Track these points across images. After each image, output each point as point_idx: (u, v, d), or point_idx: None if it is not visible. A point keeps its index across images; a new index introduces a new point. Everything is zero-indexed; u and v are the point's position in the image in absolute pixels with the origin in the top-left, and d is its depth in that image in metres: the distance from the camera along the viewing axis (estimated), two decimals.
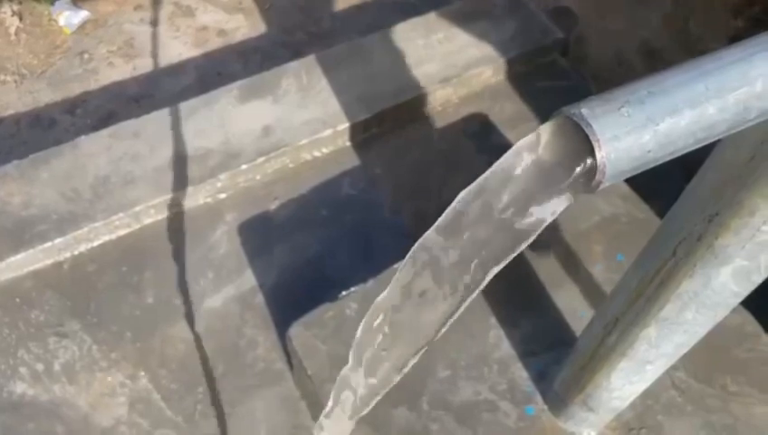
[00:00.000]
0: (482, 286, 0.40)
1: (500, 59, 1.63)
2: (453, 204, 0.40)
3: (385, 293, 0.46)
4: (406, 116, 1.60)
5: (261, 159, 1.47)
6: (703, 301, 0.68)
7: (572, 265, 1.20)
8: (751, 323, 1.13)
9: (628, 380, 0.86)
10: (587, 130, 0.35)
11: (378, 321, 0.47)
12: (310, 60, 1.61)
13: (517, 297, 1.17)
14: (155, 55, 1.90)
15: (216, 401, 1.23)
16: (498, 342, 1.12)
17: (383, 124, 1.58)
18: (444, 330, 0.41)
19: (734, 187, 0.58)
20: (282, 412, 1.22)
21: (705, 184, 0.64)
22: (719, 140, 0.63)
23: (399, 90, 1.58)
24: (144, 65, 1.89)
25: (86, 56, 1.90)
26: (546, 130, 0.37)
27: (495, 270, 0.39)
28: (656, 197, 1.30)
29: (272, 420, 1.21)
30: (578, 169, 0.36)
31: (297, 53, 1.81)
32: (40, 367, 1.25)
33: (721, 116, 0.37)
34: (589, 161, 0.35)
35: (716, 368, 1.10)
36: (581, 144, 0.35)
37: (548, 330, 1.14)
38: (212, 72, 1.87)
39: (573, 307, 1.16)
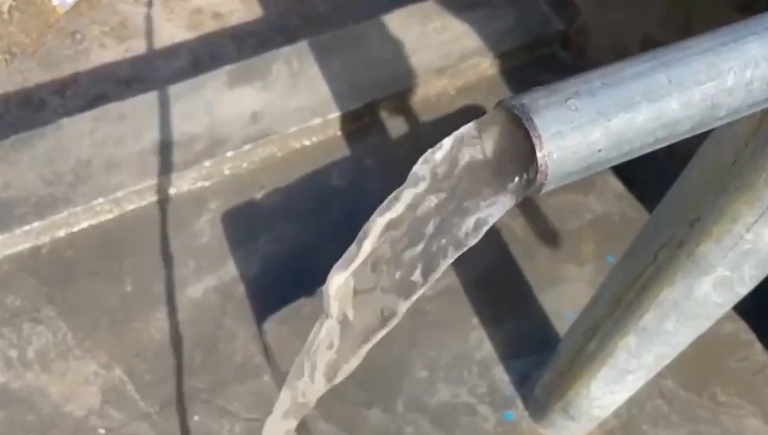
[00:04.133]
0: (418, 294, 0.35)
1: (498, 50, 1.58)
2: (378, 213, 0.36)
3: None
4: (399, 106, 1.55)
5: (248, 147, 1.43)
6: (684, 311, 0.64)
7: (561, 265, 1.16)
8: (744, 332, 1.09)
9: (608, 389, 0.82)
10: (527, 125, 0.30)
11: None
12: (302, 45, 1.57)
13: (502, 297, 1.13)
14: (148, 37, 1.86)
15: (191, 394, 1.20)
16: (480, 342, 1.08)
17: (375, 114, 1.54)
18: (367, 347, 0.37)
19: (715, 191, 0.54)
20: (258, 406, 1.19)
21: (688, 187, 0.59)
22: (704, 140, 0.58)
23: (393, 79, 1.54)
24: (137, 47, 1.85)
25: (78, 36, 1.86)
26: (485, 123, 0.33)
27: (432, 277, 0.34)
28: (652, 197, 1.25)
29: (248, 414, 1.18)
30: (517, 169, 0.31)
31: (293, 39, 1.76)
32: (13, 353, 1.22)
33: (685, 113, 0.33)
34: (529, 160, 0.31)
35: (706, 377, 1.06)
36: (522, 141, 0.31)
37: (532, 332, 1.10)
38: (205, 55, 1.83)
39: (560, 309, 1.12)
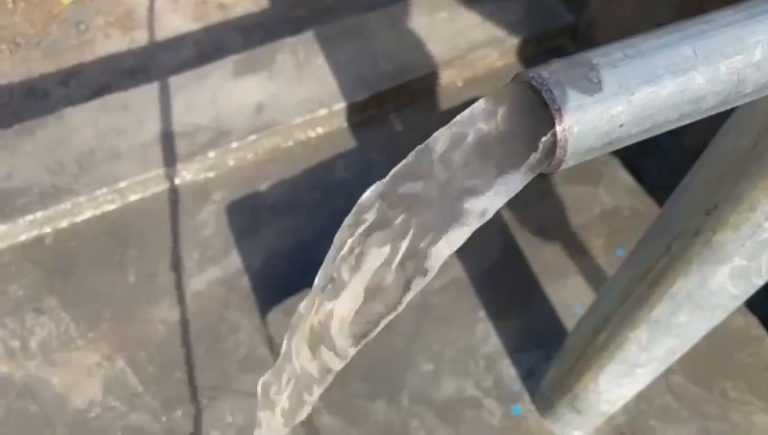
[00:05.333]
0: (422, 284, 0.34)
1: (507, 41, 1.56)
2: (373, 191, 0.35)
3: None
4: (406, 98, 1.54)
5: (252, 138, 1.42)
6: (698, 302, 0.63)
7: (570, 259, 1.14)
8: (755, 327, 1.07)
9: (617, 383, 0.80)
10: (546, 97, 0.29)
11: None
12: (308, 36, 1.55)
13: (508, 290, 1.11)
14: (153, 28, 1.85)
15: (194, 386, 1.19)
16: (486, 336, 1.06)
17: (382, 106, 1.52)
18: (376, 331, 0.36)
19: (734, 178, 0.52)
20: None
21: (704, 175, 0.58)
22: (721, 126, 0.57)
23: (400, 70, 1.52)
24: (141, 38, 1.84)
25: (83, 27, 1.85)
26: (502, 96, 0.31)
27: (432, 269, 0.33)
28: (662, 191, 1.23)
29: (251, 407, 1.17)
30: (535, 145, 0.30)
31: (298, 30, 1.75)
32: (15, 344, 1.22)
33: (710, 87, 0.31)
34: (548, 135, 0.30)
35: (716, 372, 1.05)
36: (541, 114, 0.30)
37: (539, 325, 1.08)
38: (211, 46, 1.82)
39: (568, 303, 1.10)
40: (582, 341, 0.81)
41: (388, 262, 0.33)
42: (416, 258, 0.32)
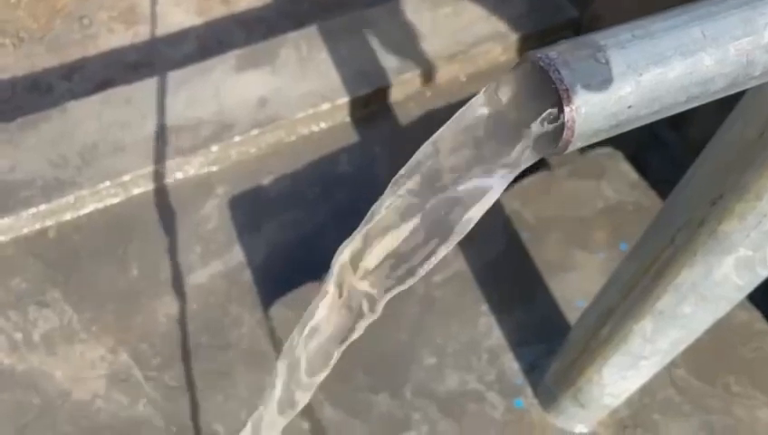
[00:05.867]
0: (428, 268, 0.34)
1: (510, 36, 1.56)
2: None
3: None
4: (409, 93, 1.53)
5: (255, 132, 1.41)
6: (703, 293, 0.62)
7: (572, 253, 1.14)
8: (759, 321, 1.07)
9: (621, 375, 0.80)
10: (554, 77, 0.29)
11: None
12: (311, 30, 1.55)
13: (511, 284, 1.11)
14: (156, 23, 1.85)
15: (197, 379, 1.19)
16: (489, 330, 1.06)
17: (385, 100, 1.52)
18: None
19: (740, 167, 0.52)
20: (264, 392, 1.18)
21: (710, 164, 0.58)
22: (725, 119, 0.57)
23: (403, 65, 1.52)
24: (145, 32, 1.84)
25: (86, 21, 1.85)
26: (509, 78, 0.31)
27: (441, 250, 0.33)
28: (665, 184, 1.23)
29: (254, 400, 1.17)
30: (542, 125, 0.30)
31: (302, 25, 1.75)
32: (18, 336, 1.22)
33: (719, 69, 0.31)
34: (555, 116, 0.30)
35: (719, 367, 1.04)
36: (548, 95, 0.30)
37: (543, 320, 1.08)
38: (213, 41, 1.82)
39: (571, 297, 1.10)
40: (586, 333, 0.81)
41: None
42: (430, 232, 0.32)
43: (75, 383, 1.18)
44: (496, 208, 1.18)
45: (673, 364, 1.00)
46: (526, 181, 1.20)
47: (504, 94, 0.31)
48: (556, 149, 0.31)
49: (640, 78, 0.30)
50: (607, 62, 0.29)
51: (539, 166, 1.34)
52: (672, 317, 0.67)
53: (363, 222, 0.37)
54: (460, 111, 0.32)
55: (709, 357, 1.04)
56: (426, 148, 0.32)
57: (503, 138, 0.31)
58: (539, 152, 0.31)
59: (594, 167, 1.22)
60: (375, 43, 1.55)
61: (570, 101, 0.29)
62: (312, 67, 1.50)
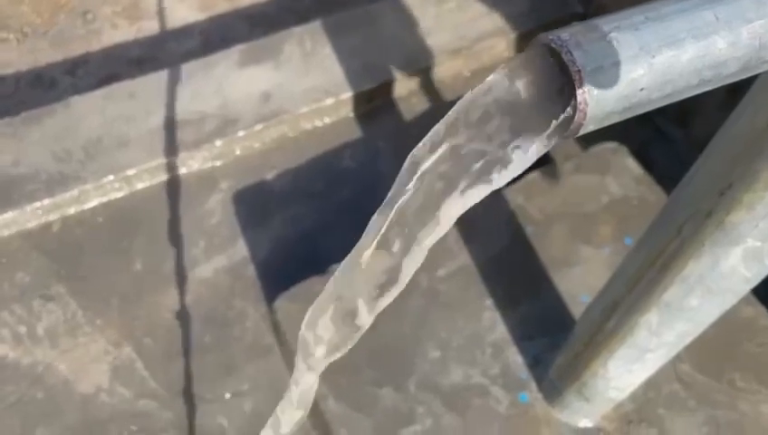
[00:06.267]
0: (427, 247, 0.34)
1: (514, 32, 1.56)
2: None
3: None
4: (413, 88, 1.53)
5: (259, 127, 1.41)
6: (709, 286, 0.62)
7: (577, 248, 1.14)
8: (764, 317, 1.07)
9: (626, 368, 0.80)
10: (566, 59, 0.29)
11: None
12: (314, 25, 1.55)
13: (516, 279, 1.11)
14: (160, 18, 1.85)
15: (201, 373, 1.19)
16: (493, 324, 1.06)
17: (389, 95, 1.52)
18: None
19: (749, 157, 0.52)
20: (268, 386, 1.18)
21: (718, 154, 0.57)
22: (732, 111, 0.56)
23: (407, 60, 1.52)
24: (148, 28, 1.84)
25: (90, 16, 1.85)
26: (520, 61, 0.31)
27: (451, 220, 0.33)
28: (670, 181, 1.23)
29: (258, 394, 1.17)
30: (553, 110, 0.30)
31: (305, 20, 1.74)
32: (23, 330, 1.22)
33: (731, 52, 0.31)
34: (567, 100, 0.29)
35: (725, 362, 1.04)
36: (560, 77, 0.29)
37: (547, 314, 1.08)
38: (217, 36, 1.81)
39: (575, 291, 1.10)
40: (592, 327, 0.81)
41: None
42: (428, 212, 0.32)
43: (79, 377, 1.18)
44: (501, 203, 1.18)
45: (678, 359, 1.00)
46: (531, 176, 1.20)
47: (515, 78, 0.31)
48: (568, 133, 0.30)
49: (653, 60, 0.29)
50: (619, 44, 0.29)
51: (543, 160, 1.34)
52: (678, 310, 0.67)
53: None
54: (468, 95, 0.31)
55: (714, 352, 1.04)
56: (435, 130, 0.32)
57: (513, 123, 0.31)
58: (551, 136, 0.31)
59: (599, 161, 1.22)
60: (378, 39, 1.55)
61: (582, 82, 0.29)
62: (316, 62, 1.50)
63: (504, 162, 0.31)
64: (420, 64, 1.52)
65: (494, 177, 0.31)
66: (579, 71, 0.29)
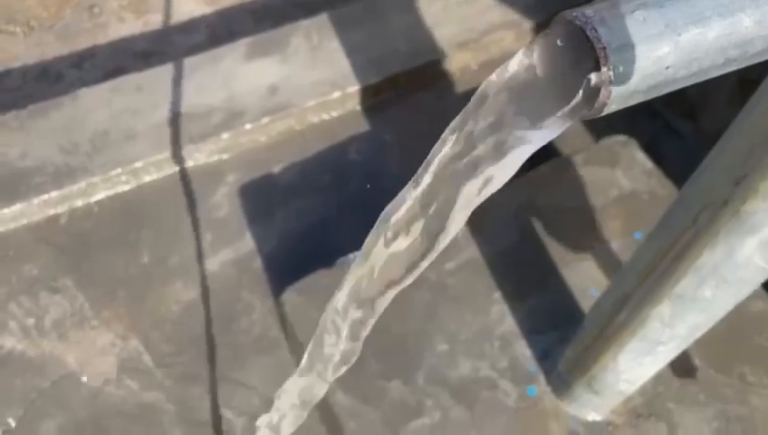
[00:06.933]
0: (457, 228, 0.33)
1: (523, 24, 1.55)
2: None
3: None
4: (420, 81, 1.52)
5: (266, 120, 1.41)
6: (724, 276, 0.62)
7: (586, 241, 1.13)
8: None
9: (637, 361, 0.80)
10: (591, 36, 0.28)
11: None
12: (321, 18, 1.54)
13: (524, 272, 1.10)
14: (166, 12, 1.84)
15: (207, 366, 1.19)
16: (501, 317, 1.06)
17: (396, 89, 1.51)
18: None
19: (765, 146, 0.51)
20: (275, 380, 1.17)
21: (734, 143, 0.57)
22: (741, 108, 0.56)
23: (414, 53, 1.51)
24: (155, 21, 1.83)
25: (96, 10, 1.85)
26: (543, 39, 0.30)
27: (467, 210, 0.32)
28: (680, 174, 1.22)
29: (265, 387, 1.17)
30: (579, 86, 0.29)
31: (312, 13, 1.74)
32: (30, 322, 1.22)
33: (758, 31, 0.30)
34: (592, 75, 0.29)
35: (735, 356, 1.03)
36: (584, 54, 0.29)
37: (556, 308, 1.07)
38: (224, 30, 1.81)
39: (584, 285, 1.09)
40: (602, 319, 0.80)
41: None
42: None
43: (86, 369, 1.18)
44: (509, 197, 1.17)
45: (688, 354, 1.00)
46: (539, 169, 1.19)
47: (537, 56, 0.31)
48: (591, 112, 0.30)
49: (679, 38, 0.29)
50: (645, 22, 0.29)
51: (552, 154, 1.33)
52: (692, 301, 0.66)
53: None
54: (497, 72, 0.31)
55: (724, 347, 1.03)
56: (465, 112, 0.32)
57: (535, 102, 0.30)
58: (574, 114, 0.30)
59: (609, 155, 1.21)
60: (386, 32, 1.54)
61: (607, 60, 0.28)
62: (323, 55, 1.49)
63: (525, 141, 0.30)
64: (427, 57, 1.51)
65: (515, 154, 0.30)
66: (604, 48, 0.28)
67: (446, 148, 0.32)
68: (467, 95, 1.45)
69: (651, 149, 1.28)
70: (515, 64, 0.31)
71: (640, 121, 1.48)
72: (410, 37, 1.53)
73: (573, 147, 1.33)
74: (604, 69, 0.28)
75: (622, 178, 1.18)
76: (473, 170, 0.31)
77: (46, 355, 1.19)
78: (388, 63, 1.49)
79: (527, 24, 1.55)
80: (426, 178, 0.33)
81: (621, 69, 0.28)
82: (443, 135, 0.33)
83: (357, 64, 1.48)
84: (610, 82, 0.28)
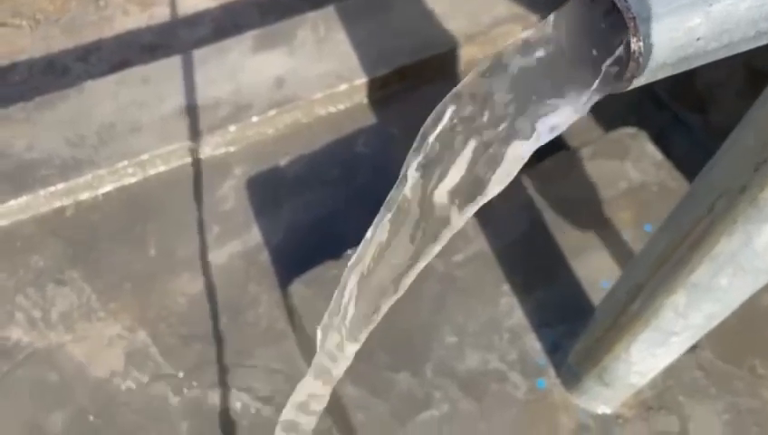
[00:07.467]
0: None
1: (530, 17, 1.54)
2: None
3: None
4: (427, 74, 1.52)
5: (273, 112, 1.40)
6: (741, 264, 0.61)
7: (596, 233, 1.13)
8: None
9: (649, 352, 0.79)
10: (620, 6, 0.28)
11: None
12: (328, 11, 1.53)
13: (533, 264, 1.10)
14: (172, 5, 1.84)
15: (214, 358, 1.19)
16: (510, 310, 1.05)
17: (403, 81, 1.50)
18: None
19: None
20: (282, 372, 1.17)
21: (753, 129, 0.56)
22: (752, 101, 0.55)
23: (421, 46, 1.50)
24: (160, 15, 1.83)
25: (102, 3, 1.85)
26: (569, 8, 0.30)
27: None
28: (688, 167, 1.21)
29: (272, 379, 1.17)
30: (607, 58, 0.29)
31: (318, 6, 1.73)
32: (37, 314, 1.22)
33: None
34: (621, 47, 0.28)
35: (746, 349, 1.03)
36: (613, 25, 0.28)
37: (565, 300, 1.07)
38: (229, 23, 1.81)
39: (594, 277, 1.08)
40: (614, 310, 0.80)
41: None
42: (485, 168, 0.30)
43: (93, 361, 1.18)
44: (518, 188, 1.17)
45: (698, 346, 0.99)
46: (549, 161, 1.19)
47: (561, 28, 0.30)
48: (620, 85, 0.29)
49: (710, 8, 0.28)
50: None
51: (561, 146, 1.33)
52: (707, 290, 0.65)
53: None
54: (521, 42, 0.30)
55: (735, 340, 1.03)
56: (486, 72, 0.31)
57: (566, 72, 0.29)
58: (600, 90, 0.30)
59: (618, 147, 1.20)
60: (393, 24, 1.53)
61: (637, 30, 0.27)
62: (330, 48, 1.49)
63: (554, 115, 0.29)
64: (435, 50, 1.50)
65: (544, 128, 0.29)
66: (633, 18, 0.27)
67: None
68: None
69: (660, 142, 1.27)
70: (536, 35, 0.31)
71: (649, 114, 1.47)
72: (417, 30, 1.52)
73: (581, 140, 1.32)
74: (633, 40, 0.27)
75: (632, 170, 1.18)
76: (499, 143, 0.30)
77: (53, 347, 1.19)
78: (395, 56, 1.48)
79: (535, 17, 1.54)
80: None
81: (652, 40, 0.28)
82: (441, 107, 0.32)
83: (364, 57, 1.48)
84: (640, 54, 0.28)
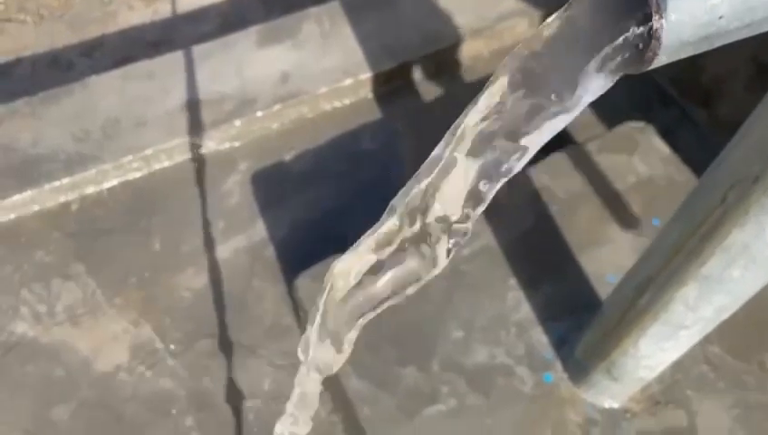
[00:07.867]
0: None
1: (536, 12, 1.53)
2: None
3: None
4: (432, 69, 1.51)
5: (278, 107, 1.40)
6: (753, 255, 0.60)
7: (603, 228, 1.12)
8: None
9: (658, 346, 0.78)
10: None
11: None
12: (334, 5, 1.53)
13: (540, 259, 1.09)
14: (176, 0, 1.84)
15: (220, 353, 1.18)
16: (517, 304, 1.05)
17: (408, 76, 1.50)
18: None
19: None
20: (287, 367, 1.17)
21: (766, 119, 0.55)
22: (759, 96, 0.54)
23: (427, 40, 1.50)
24: (165, 10, 1.83)
25: None
26: None
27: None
28: (695, 162, 1.20)
29: (276, 375, 1.16)
30: (627, 36, 0.28)
31: (322, 1, 1.73)
32: (42, 309, 1.21)
33: None
34: (641, 25, 0.28)
35: (754, 344, 1.02)
36: (633, 2, 0.28)
37: (572, 294, 1.06)
38: (234, 18, 1.80)
39: (601, 272, 1.08)
40: (623, 303, 0.79)
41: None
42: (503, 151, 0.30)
43: (98, 355, 1.17)
44: (525, 183, 1.16)
45: (707, 341, 0.98)
46: (556, 155, 1.18)
47: (580, 7, 0.29)
48: (640, 65, 0.29)
49: None
50: None
51: (568, 140, 1.32)
52: (718, 282, 0.65)
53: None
54: (555, 18, 0.29)
55: (744, 335, 1.02)
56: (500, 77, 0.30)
57: (585, 50, 0.29)
58: (619, 70, 0.29)
59: (625, 141, 1.19)
60: (398, 19, 1.53)
61: (659, 7, 0.27)
62: (335, 42, 1.48)
63: (565, 105, 0.29)
64: (440, 45, 1.50)
65: (562, 107, 0.29)
66: None
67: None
68: (480, 83, 1.43)
69: (667, 138, 1.27)
70: (557, 19, 0.30)
71: (656, 109, 1.47)
72: (423, 24, 1.51)
73: (587, 135, 1.32)
74: (656, 17, 0.27)
75: (639, 165, 1.17)
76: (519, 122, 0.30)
77: (58, 342, 1.18)
78: (400, 51, 1.48)
79: (540, 12, 1.53)
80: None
81: (674, 17, 0.27)
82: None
83: (369, 51, 1.47)
84: (661, 32, 0.27)
